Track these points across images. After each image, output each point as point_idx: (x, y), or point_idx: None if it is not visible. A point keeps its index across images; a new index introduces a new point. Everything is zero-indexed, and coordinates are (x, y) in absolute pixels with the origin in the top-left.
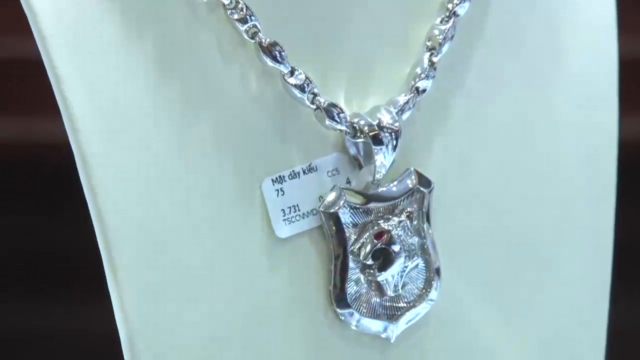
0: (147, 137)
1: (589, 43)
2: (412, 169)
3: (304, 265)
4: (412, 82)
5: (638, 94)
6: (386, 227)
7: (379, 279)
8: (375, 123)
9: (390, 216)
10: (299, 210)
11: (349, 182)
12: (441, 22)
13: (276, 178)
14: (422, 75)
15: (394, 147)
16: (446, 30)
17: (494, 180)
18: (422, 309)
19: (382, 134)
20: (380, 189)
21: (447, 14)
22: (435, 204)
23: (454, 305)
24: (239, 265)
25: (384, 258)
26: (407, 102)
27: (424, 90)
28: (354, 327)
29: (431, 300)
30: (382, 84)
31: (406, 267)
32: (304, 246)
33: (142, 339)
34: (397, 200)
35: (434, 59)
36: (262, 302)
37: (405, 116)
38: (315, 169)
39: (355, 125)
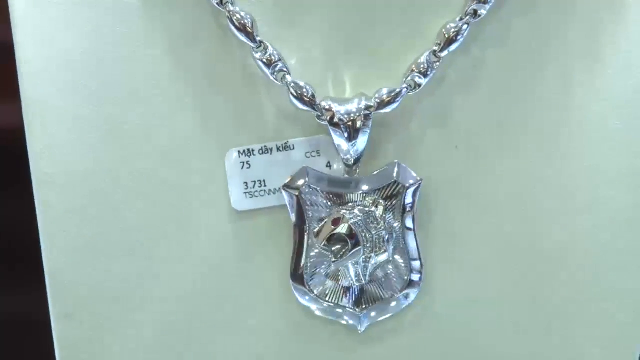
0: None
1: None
2: (396, 162)
3: (263, 242)
4: (407, 76)
5: None
6: (347, 215)
7: (334, 265)
8: (339, 109)
9: (356, 205)
10: (264, 185)
11: (329, 165)
12: (459, 20)
13: (244, 151)
14: (419, 70)
15: (352, 135)
16: (457, 28)
17: (501, 186)
18: (398, 304)
19: (340, 120)
20: (355, 177)
21: (465, 13)
22: (433, 201)
23: (439, 305)
24: (192, 234)
25: (342, 245)
26: (394, 95)
27: (419, 85)
28: (317, 313)
29: (407, 297)
30: (391, 74)
31: (369, 258)
32: (267, 223)
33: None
34: (368, 190)
35: (440, 55)
36: (214, 271)
37: (390, 108)
38: (292, 147)
39: (323, 108)
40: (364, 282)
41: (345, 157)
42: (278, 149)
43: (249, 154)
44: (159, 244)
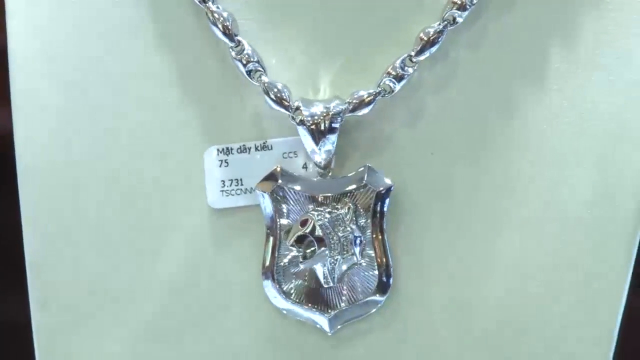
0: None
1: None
2: (367, 165)
3: (238, 241)
4: (381, 80)
5: None
6: (315, 216)
7: (301, 265)
8: (306, 110)
9: (325, 207)
10: (241, 184)
11: (305, 166)
12: (438, 25)
13: (223, 149)
14: (393, 75)
15: (317, 137)
16: (433, 34)
17: (474, 192)
18: (367, 307)
19: (307, 122)
20: (327, 179)
21: (442, 19)
22: (405, 205)
23: (409, 309)
24: (169, 230)
25: (310, 246)
26: (367, 98)
27: (392, 89)
28: (284, 312)
29: (376, 300)
30: (371, 77)
31: (335, 260)
32: (242, 221)
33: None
34: (338, 193)
35: (415, 59)
36: (189, 268)
37: (363, 111)
38: (270, 147)
39: (294, 109)
40: (331, 284)
41: (315, 159)
42: (256, 149)
43: (227, 153)
44: (136, 238)
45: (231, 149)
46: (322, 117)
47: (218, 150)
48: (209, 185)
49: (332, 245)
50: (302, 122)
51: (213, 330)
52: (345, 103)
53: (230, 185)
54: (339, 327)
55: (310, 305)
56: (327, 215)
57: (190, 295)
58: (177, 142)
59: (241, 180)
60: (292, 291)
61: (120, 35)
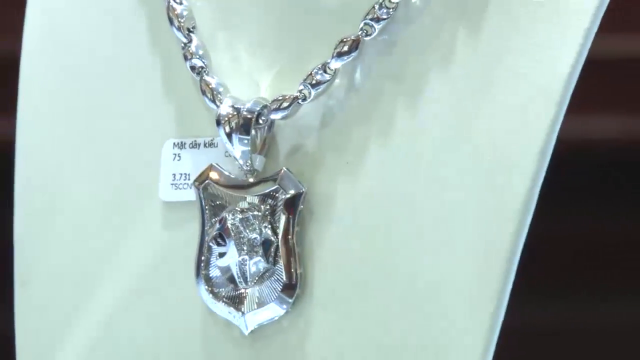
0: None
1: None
2: (283, 169)
3: (180, 234)
4: (299, 86)
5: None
6: (229, 216)
7: (217, 263)
8: (221, 109)
9: (239, 207)
10: (188, 179)
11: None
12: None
13: (178, 143)
14: (309, 81)
15: (229, 136)
16: (347, 42)
17: (381, 204)
18: (277, 309)
19: (222, 122)
20: (251, 180)
21: (359, 28)
22: (318, 210)
23: (318, 314)
24: (128, 221)
25: (221, 245)
26: (282, 102)
27: (308, 95)
28: (214, 310)
29: (285, 302)
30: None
31: (244, 260)
32: (186, 215)
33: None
34: (255, 195)
35: (331, 67)
36: (141, 261)
37: (278, 115)
38: (215, 145)
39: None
40: (244, 284)
41: (239, 160)
42: (205, 145)
43: (181, 147)
44: (101, 227)
45: (184, 143)
46: (230, 117)
47: (174, 143)
48: (162, 178)
49: (241, 246)
50: (217, 122)
51: (143, 319)
52: (261, 105)
53: (180, 179)
54: (255, 327)
55: (228, 303)
56: (239, 216)
57: (137, 287)
58: (147, 133)
59: (188, 175)
60: (215, 289)
61: (89, 26)
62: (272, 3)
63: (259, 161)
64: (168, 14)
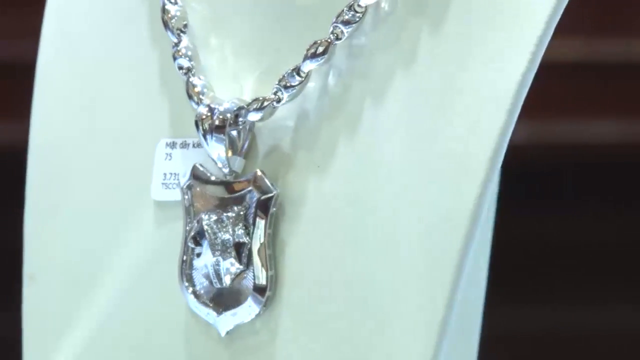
0: None
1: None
2: (257, 171)
3: (171, 232)
4: (276, 87)
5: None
6: (205, 217)
7: (195, 264)
8: (199, 110)
9: (215, 208)
10: (177, 178)
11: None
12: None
13: (170, 142)
14: (283, 84)
15: (203, 136)
16: (317, 46)
17: (348, 205)
18: (247, 312)
19: (198, 123)
20: (225, 180)
21: (330, 32)
22: (291, 213)
23: (287, 317)
24: (115, 216)
25: (197, 246)
26: (255, 104)
27: (281, 98)
28: (192, 308)
29: (255, 306)
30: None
31: (218, 261)
32: (177, 214)
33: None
34: (227, 195)
35: (304, 68)
36: (133, 260)
37: (255, 116)
38: (202, 146)
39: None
40: (219, 285)
41: (218, 162)
42: (193, 146)
43: (172, 146)
44: (97, 225)
45: (175, 143)
46: (204, 118)
47: (166, 143)
48: (155, 177)
49: (215, 247)
50: (195, 123)
51: (130, 319)
52: (237, 107)
53: (170, 178)
54: (231, 328)
55: (206, 304)
56: (214, 217)
57: (128, 285)
58: (144, 132)
59: (177, 174)
60: (197, 289)
61: (85, 21)
62: (265, 5)
63: (238, 162)
64: (162, 15)
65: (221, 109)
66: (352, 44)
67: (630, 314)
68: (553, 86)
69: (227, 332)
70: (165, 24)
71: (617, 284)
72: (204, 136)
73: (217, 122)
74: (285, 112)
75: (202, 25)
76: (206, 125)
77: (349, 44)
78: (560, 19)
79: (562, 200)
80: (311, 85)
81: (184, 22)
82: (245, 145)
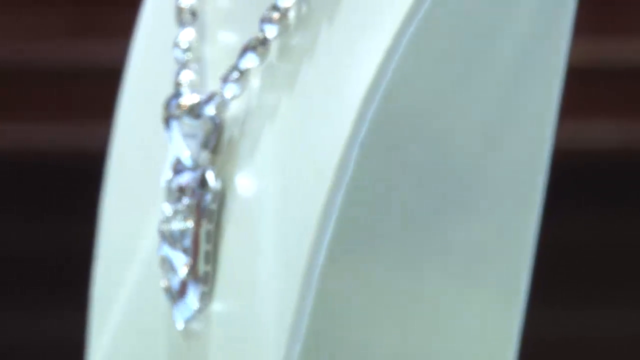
0: None
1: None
2: (205, 167)
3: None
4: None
5: None
6: (165, 210)
7: (158, 252)
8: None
9: (175, 201)
10: None
11: None
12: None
13: None
14: (225, 79)
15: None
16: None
17: (273, 204)
18: (189, 306)
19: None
20: (181, 172)
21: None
22: (234, 210)
23: (216, 314)
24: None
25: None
26: (209, 98)
27: (227, 95)
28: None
29: (194, 300)
30: None
31: (167, 253)
32: None
33: None
34: (180, 190)
35: (241, 65)
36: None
37: (209, 110)
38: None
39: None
40: (170, 276)
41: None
42: None
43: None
44: (123, 219)
45: None
46: (165, 113)
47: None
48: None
49: (166, 239)
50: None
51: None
52: (195, 101)
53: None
54: (187, 318)
55: (168, 296)
56: (170, 209)
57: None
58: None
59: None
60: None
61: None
62: None
63: (203, 157)
64: (176, 7)
65: (177, 103)
66: (281, 42)
67: (630, 314)
68: None
69: (186, 322)
70: (176, 16)
71: (619, 285)
72: (166, 125)
73: (175, 112)
74: (239, 107)
75: (213, 17)
76: (165, 115)
77: (279, 42)
78: None
79: (562, 201)
80: (254, 82)
81: (193, 15)
82: (203, 139)
